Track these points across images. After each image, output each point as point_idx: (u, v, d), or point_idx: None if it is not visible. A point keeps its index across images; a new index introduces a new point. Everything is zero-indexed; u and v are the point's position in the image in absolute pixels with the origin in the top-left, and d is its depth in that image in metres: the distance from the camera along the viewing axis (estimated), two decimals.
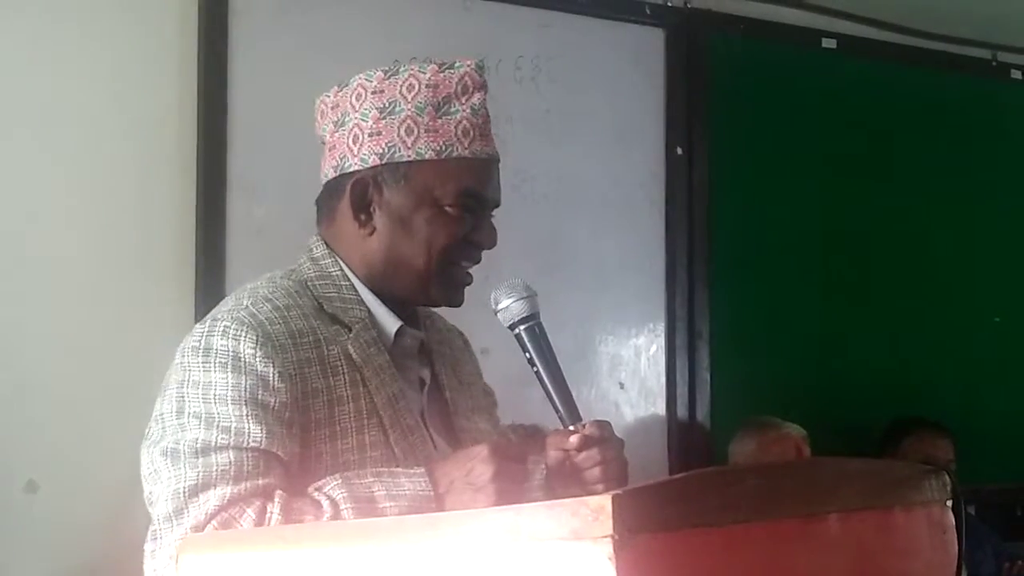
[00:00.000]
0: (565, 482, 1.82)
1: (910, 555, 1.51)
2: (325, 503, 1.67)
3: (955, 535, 1.54)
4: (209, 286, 3.05)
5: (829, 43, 4.16)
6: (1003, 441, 4.29)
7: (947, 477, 1.56)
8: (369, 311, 1.88)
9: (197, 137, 3.10)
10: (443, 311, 2.07)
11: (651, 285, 3.78)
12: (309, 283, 1.88)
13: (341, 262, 1.90)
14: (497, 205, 1.93)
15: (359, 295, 1.88)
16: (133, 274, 3.03)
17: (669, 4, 3.84)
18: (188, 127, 3.11)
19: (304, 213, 3.20)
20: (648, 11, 3.80)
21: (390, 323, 1.89)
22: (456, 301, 1.92)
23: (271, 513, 1.65)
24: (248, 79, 3.16)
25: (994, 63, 4.51)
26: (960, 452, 3.84)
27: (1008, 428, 4.32)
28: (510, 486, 1.67)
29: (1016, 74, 4.54)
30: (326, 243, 1.92)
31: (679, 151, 3.82)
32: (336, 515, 1.65)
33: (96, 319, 2.98)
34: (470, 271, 1.92)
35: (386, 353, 1.86)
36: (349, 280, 1.89)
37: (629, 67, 3.79)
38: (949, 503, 1.55)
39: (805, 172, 4.08)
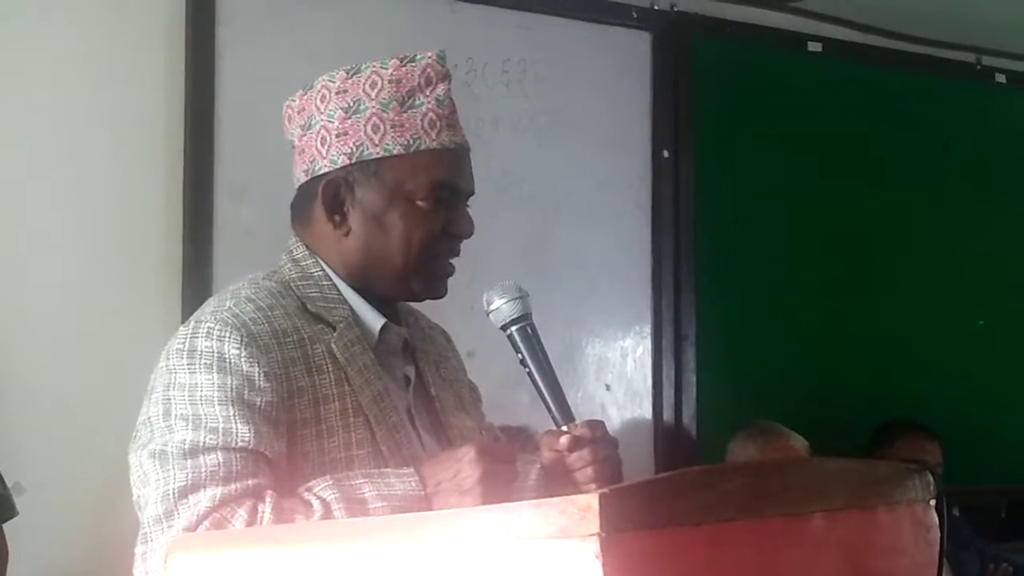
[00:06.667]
0: (559, 483, 1.82)
1: (894, 553, 1.52)
2: (316, 503, 1.66)
3: (938, 534, 1.55)
4: (196, 288, 3.05)
5: (815, 47, 4.18)
6: (988, 443, 4.31)
7: (930, 476, 1.56)
8: (352, 310, 1.87)
9: (184, 139, 3.11)
10: (430, 312, 2.08)
11: (637, 287, 3.79)
12: (292, 284, 1.87)
13: (322, 262, 1.89)
14: (471, 194, 1.92)
15: (341, 294, 1.88)
16: (120, 276, 3.03)
17: (655, 8, 3.85)
18: (175, 130, 3.11)
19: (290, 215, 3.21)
20: (634, 15, 3.82)
21: (374, 321, 1.89)
22: (439, 293, 1.92)
23: (262, 513, 1.64)
24: (235, 82, 3.16)
25: (978, 67, 4.53)
26: (945, 454, 3.85)
27: (992, 430, 4.34)
28: (497, 488, 1.67)
29: (1000, 77, 4.56)
30: (305, 245, 1.92)
31: (665, 154, 3.83)
32: (327, 515, 1.65)
33: (83, 321, 2.97)
34: (452, 262, 1.91)
35: (370, 351, 1.85)
36: (331, 280, 1.88)
37: (615, 70, 3.80)
38: (932, 502, 1.56)
39: (791, 175, 4.09)
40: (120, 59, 3.07)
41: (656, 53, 3.86)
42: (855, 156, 4.21)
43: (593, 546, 1.10)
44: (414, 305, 2.03)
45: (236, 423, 1.70)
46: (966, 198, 4.42)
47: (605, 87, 3.77)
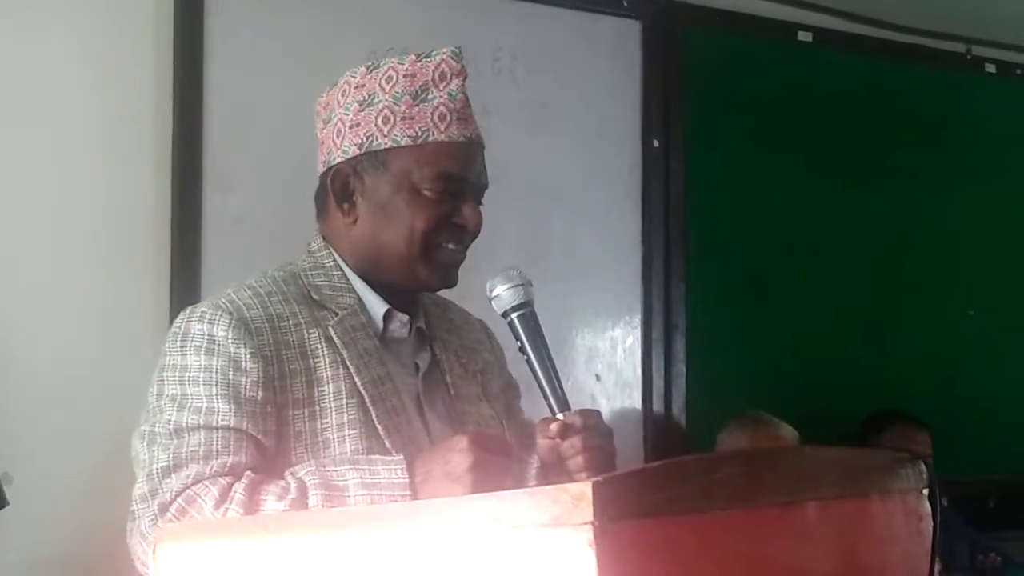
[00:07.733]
0: (555, 471, 1.83)
1: (887, 542, 1.52)
2: (293, 486, 1.70)
3: (931, 523, 1.55)
4: (184, 280, 3.04)
5: (805, 36, 4.18)
6: (976, 433, 4.31)
7: (923, 465, 1.56)
8: (359, 298, 1.91)
9: (173, 132, 3.09)
10: None
11: (628, 277, 3.78)
12: (301, 274, 1.92)
13: (335, 253, 1.94)
14: (483, 188, 1.95)
15: (350, 283, 1.92)
16: (108, 269, 3.02)
17: None
18: (164, 122, 3.10)
19: (279, 207, 3.22)
20: (625, 3, 3.81)
21: (378, 308, 1.92)
22: (449, 281, 1.95)
23: (235, 492, 1.68)
24: (224, 75, 3.15)
25: (968, 56, 4.53)
26: (935, 444, 3.85)
27: (981, 420, 4.35)
28: (489, 477, 1.67)
29: (990, 68, 4.56)
30: (323, 237, 1.97)
31: (656, 143, 3.83)
32: (302, 498, 1.68)
33: (72, 312, 2.96)
34: (461, 251, 1.94)
35: (375, 338, 1.89)
36: (341, 269, 1.93)
37: (606, 59, 3.79)
38: (925, 491, 1.56)
39: (781, 165, 4.09)
40: (108, 52, 3.05)
41: (646, 42, 3.85)
42: (845, 145, 4.20)
43: (586, 535, 1.10)
44: (446, 296, 2.06)
45: (218, 402, 1.75)
46: (956, 188, 4.42)
47: (595, 76, 3.76)
